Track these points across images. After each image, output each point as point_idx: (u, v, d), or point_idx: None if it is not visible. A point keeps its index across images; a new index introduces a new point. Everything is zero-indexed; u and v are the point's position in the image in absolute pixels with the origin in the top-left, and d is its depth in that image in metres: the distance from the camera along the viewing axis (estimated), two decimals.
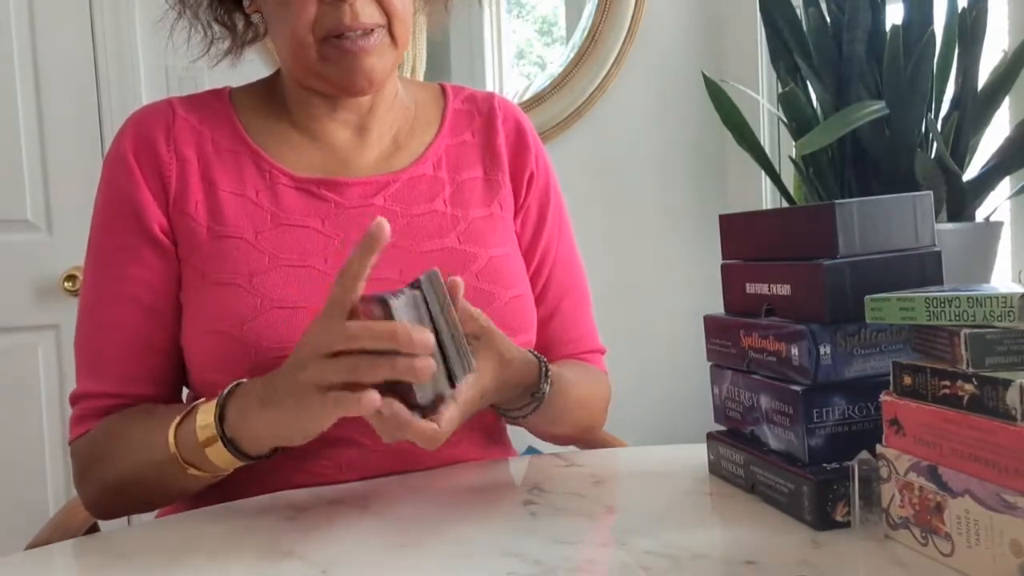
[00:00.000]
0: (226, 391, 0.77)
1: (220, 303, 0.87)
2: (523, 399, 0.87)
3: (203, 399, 0.79)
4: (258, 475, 0.89)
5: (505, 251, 0.97)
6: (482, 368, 0.78)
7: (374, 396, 0.66)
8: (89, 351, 0.91)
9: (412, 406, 0.69)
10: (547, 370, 0.87)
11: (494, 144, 1.01)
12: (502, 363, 0.81)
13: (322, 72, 0.88)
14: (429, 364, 0.66)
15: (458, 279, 0.74)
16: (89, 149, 1.83)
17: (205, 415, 0.77)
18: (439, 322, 0.70)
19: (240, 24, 0.99)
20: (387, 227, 0.68)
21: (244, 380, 0.78)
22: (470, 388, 0.75)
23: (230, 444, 0.76)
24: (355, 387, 0.67)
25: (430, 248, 0.93)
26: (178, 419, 0.79)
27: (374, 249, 0.68)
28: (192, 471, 0.79)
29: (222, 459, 0.77)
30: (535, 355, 0.87)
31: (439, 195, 0.96)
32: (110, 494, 0.87)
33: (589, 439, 1.06)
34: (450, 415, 0.71)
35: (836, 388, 0.69)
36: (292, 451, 0.89)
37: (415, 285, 0.70)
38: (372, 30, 0.86)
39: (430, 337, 0.67)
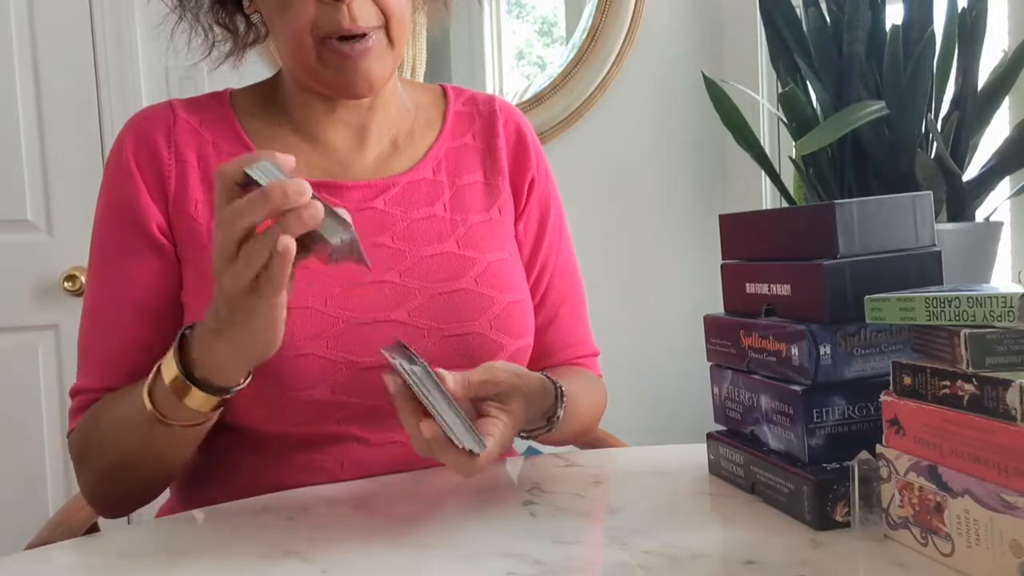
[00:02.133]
0: (178, 337, 0.77)
1: None
2: (539, 422, 0.88)
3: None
4: (260, 474, 0.89)
5: (504, 255, 0.97)
6: (514, 410, 0.79)
7: (284, 239, 0.66)
8: (89, 348, 0.91)
9: (329, 256, 0.70)
10: (563, 396, 0.88)
11: (495, 148, 1.01)
12: (528, 401, 0.82)
13: (320, 75, 0.88)
14: (314, 208, 0.67)
15: (442, 372, 0.76)
16: (89, 149, 1.83)
17: (168, 368, 0.77)
18: (440, 407, 0.73)
19: (241, 26, 0.99)
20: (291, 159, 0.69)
21: (193, 323, 0.78)
22: (508, 429, 0.78)
23: (202, 384, 0.76)
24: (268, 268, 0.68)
25: (429, 252, 0.93)
26: (148, 381, 0.79)
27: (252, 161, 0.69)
28: (175, 426, 0.79)
29: (201, 402, 0.77)
30: (551, 380, 0.88)
31: (439, 199, 0.97)
32: (106, 478, 0.86)
33: (582, 440, 1.07)
34: (490, 451, 0.73)
35: (836, 388, 0.69)
36: (294, 448, 0.89)
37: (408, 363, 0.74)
38: (369, 33, 0.86)
39: (299, 182, 0.67)
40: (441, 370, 0.76)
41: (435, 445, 0.71)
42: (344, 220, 0.69)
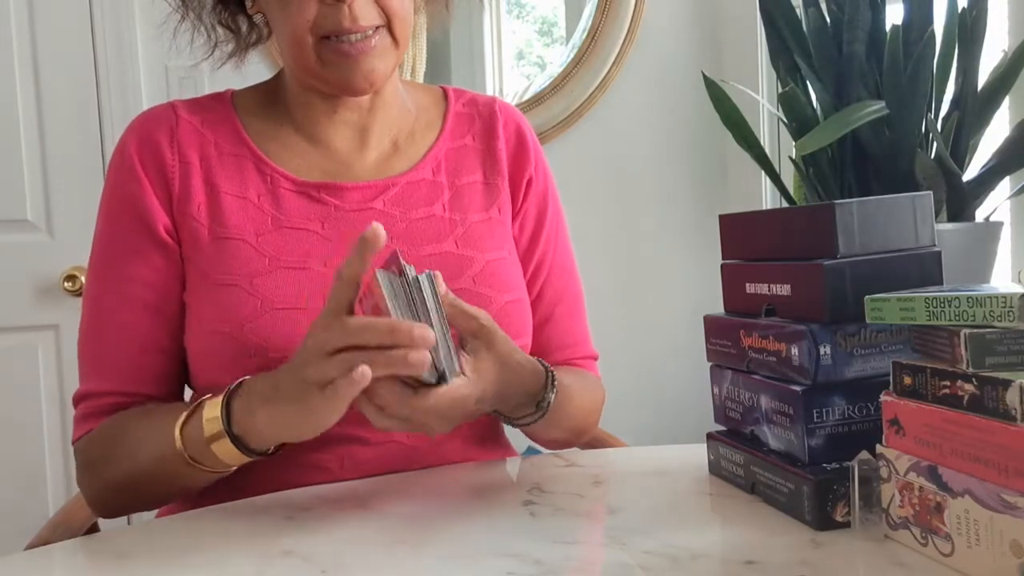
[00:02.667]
0: (231, 387, 0.77)
1: (221, 304, 0.87)
2: (528, 407, 0.87)
3: (208, 396, 0.80)
4: (259, 473, 0.89)
5: (502, 255, 0.97)
6: (482, 369, 0.78)
7: (364, 368, 0.67)
8: (93, 351, 0.91)
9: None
10: (553, 379, 0.87)
11: (494, 148, 1.01)
12: (504, 367, 0.80)
13: (321, 74, 0.89)
14: (424, 356, 0.68)
15: (437, 274, 0.76)
16: (89, 149, 1.83)
17: (212, 410, 0.77)
18: (434, 320, 0.71)
19: (244, 27, 0.99)
20: (382, 233, 0.70)
21: (248, 377, 0.78)
22: (468, 386, 0.76)
23: (237, 440, 0.76)
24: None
25: (428, 252, 0.93)
26: (183, 416, 0.79)
27: (369, 251, 0.70)
28: (198, 467, 0.79)
29: (228, 455, 0.77)
30: (542, 364, 0.87)
31: (438, 199, 0.97)
32: (113, 492, 0.87)
33: (580, 442, 1.06)
34: (447, 396, 0.73)
35: (836, 388, 0.69)
36: (294, 448, 0.89)
37: (409, 277, 0.72)
38: (371, 32, 0.86)
39: (431, 333, 0.68)
40: (436, 272, 0.75)
41: (392, 390, 0.72)
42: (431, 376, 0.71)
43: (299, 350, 0.72)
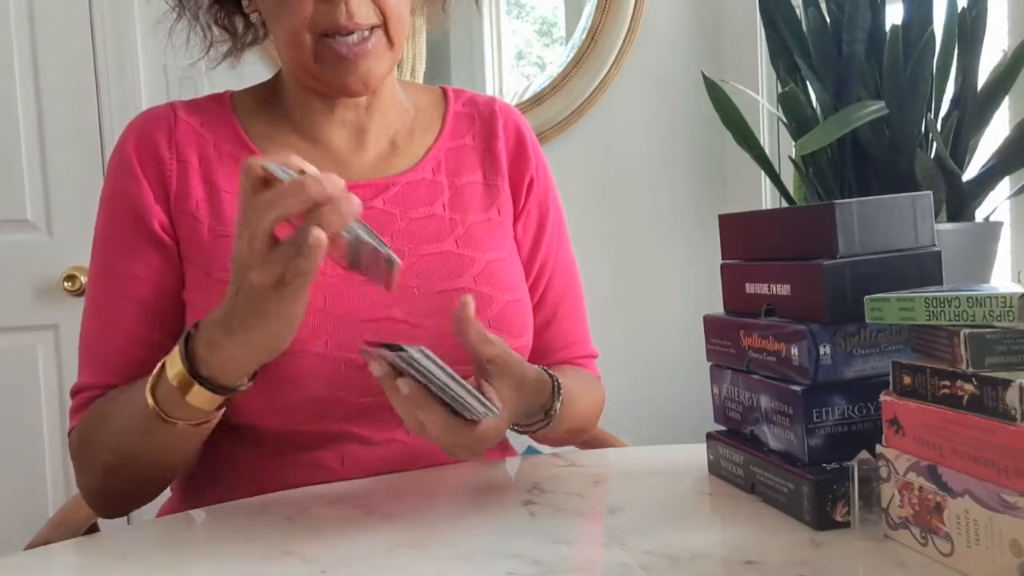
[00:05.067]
0: (185, 334, 0.77)
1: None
2: (536, 415, 0.88)
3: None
4: (259, 473, 0.89)
5: (502, 255, 0.98)
6: (506, 397, 0.79)
7: (315, 232, 0.65)
8: (91, 346, 0.91)
9: (350, 261, 0.69)
10: (559, 388, 0.88)
11: (494, 149, 1.01)
12: (520, 387, 0.81)
13: (318, 73, 0.89)
14: (354, 203, 0.66)
15: (469, 298, 0.77)
16: (89, 149, 1.83)
17: (173, 364, 0.76)
18: (447, 381, 0.71)
19: (240, 26, 0.99)
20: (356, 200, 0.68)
21: (199, 321, 0.77)
22: (502, 416, 0.78)
23: (207, 382, 0.76)
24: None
25: (428, 252, 0.93)
26: (151, 378, 0.78)
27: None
28: (179, 424, 0.78)
29: (203, 400, 0.76)
30: (547, 372, 0.88)
31: (438, 199, 0.97)
32: (106, 476, 0.86)
33: (578, 441, 1.07)
34: (497, 423, 0.75)
35: (836, 388, 0.69)
36: (294, 447, 0.89)
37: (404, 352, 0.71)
38: (367, 33, 0.87)
39: (333, 176, 0.66)
40: (467, 296, 0.76)
41: (441, 423, 0.72)
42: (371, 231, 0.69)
43: (233, 265, 0.71)
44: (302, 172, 0.68)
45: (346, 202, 0.66)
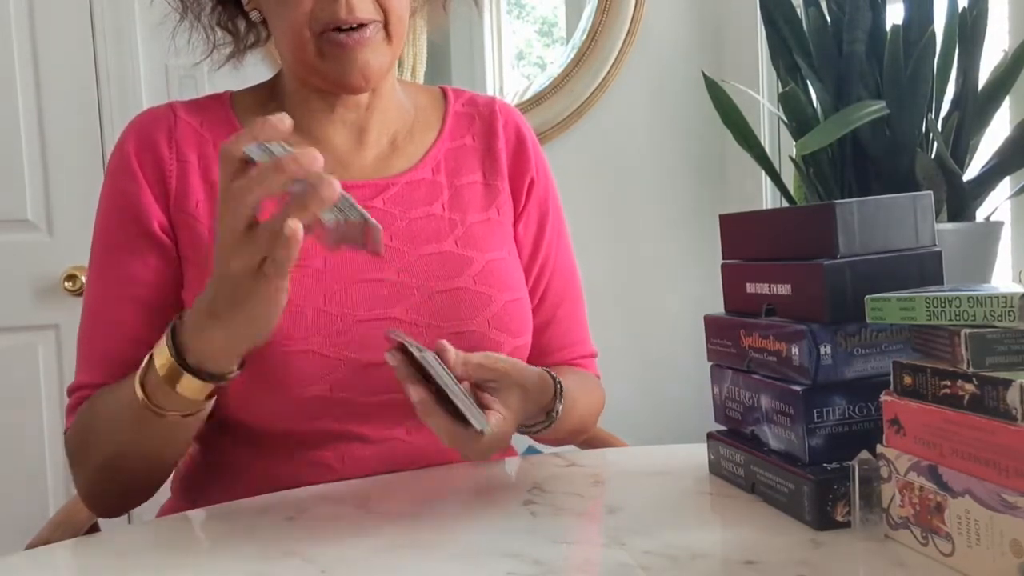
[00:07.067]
0: (170, 326, 0.77)
1: None
2: (538, 416, 0.88)
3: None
4: (260, 472, 0.89)
5: (502, 255, 0.98)
6: (512, 405, 0.81)
7: (290, 223, 0.64)
8: (88, 346, 0.91)
9: (334, 239, 0.68)
10: (561, 390, 0.88)
11: (494, 149, 1.01)
12: (525, 395, 0.83)
13: (319, 68, 0.89)
14: (332, 185, 0.65)
15: (444, 343, 0.80)
16: (89, 149, 1.83)
17: (160, 354, 0.76)
18: (452, 384, 0.75)
19: (242, 28, 0.99)
20: (288, 121, 0.68)
21: (184, 311, 0.77)
22: (508, 421, 0.80)
23: (195, 370, 0.75)
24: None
25: (428, 252, 0.93)
26: (139, 371, 0.78)
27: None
28: (169, 416, 0.78)
29: (192, 389, 0.76)
30: (550, 375, 0.89)
31: (437, 199, 0.97)
32: (101, 474, 0.86)
33: (577, 440, 1.07)
34: (494, 435, 0.76)
35: (836, 388, 0.69)
36: (294, 446, 0.89)
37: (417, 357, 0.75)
38: (367, 25, 0.87)
39: (310, 150, 0.66)
40: (443, 341, 0.78)
41: (447, 432, 0.74)
42: (353, 201, 0.68)
43: (216, 252, 0.70)
44: (279, 145, 0.68)
45: (324, 185, 0.65)
